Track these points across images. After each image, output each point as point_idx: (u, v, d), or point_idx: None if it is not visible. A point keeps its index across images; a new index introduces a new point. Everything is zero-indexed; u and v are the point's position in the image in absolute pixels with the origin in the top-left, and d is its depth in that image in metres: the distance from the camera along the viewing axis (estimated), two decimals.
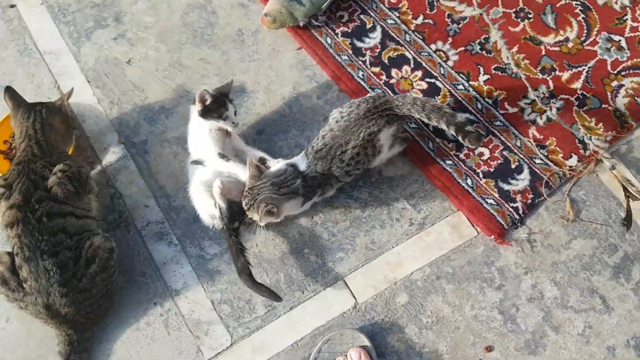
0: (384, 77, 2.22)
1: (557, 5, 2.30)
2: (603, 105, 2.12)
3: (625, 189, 2.02)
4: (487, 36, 2.26)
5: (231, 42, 2.35)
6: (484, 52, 2.24)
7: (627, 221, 1.99)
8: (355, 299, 1.96)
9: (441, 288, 1.96)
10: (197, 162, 2.05)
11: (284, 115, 2.21)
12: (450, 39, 2.27)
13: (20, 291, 1.83)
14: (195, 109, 2.04)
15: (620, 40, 2.23)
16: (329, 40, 2.29)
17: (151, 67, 2.33)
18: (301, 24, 2.27)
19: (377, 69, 2.23)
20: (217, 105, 2.01)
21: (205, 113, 2.01)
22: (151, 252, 2.07)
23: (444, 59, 2.24)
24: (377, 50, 2.26)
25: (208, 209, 2.01)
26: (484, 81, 2.20)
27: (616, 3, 2.29)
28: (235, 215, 1.98)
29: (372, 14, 2.33)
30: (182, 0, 2.43)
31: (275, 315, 1.96)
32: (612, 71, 2.17)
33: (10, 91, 2.08)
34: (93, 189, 2.04)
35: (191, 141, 2.10)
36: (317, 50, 2.27)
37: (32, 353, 1.94)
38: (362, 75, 2.23)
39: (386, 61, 2.24)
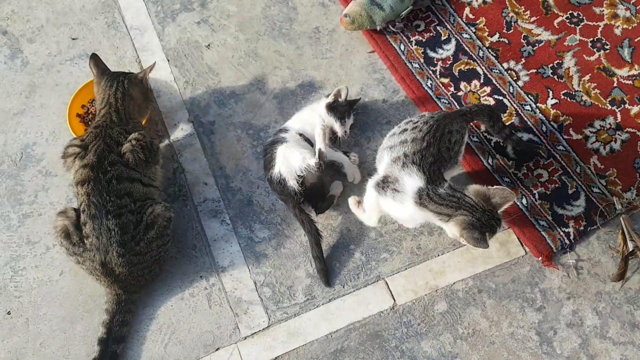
0: (452, 89, 2.25)
1: (636, 40, 2.28)
2: None
3: (626, 242, 1.93)
4: (560, 61, 2.26)
5: (307, 38, 2.43)
6: (555, 77, 2.24)
7: (621, 276, 1.95)
8: (394, 300, 1.99)
9: (481, 301, 1.97)
10: (283, 131, 2.14)
11: None
12: (523, 60, 2.28)
13: (81, 246, 1.94)
14: (324, 100, 2.15)
15: None
16: (402, 47, 2.34)
17: (228, 54, 2.43)
18: (378, 28, 2.33)
19: (446, 80, 2.26)
20: (345, 108, 2.13)
21: (332, 108, 2.12)
22: (204, 227, 2.15)
23: (515, 78, 2.25)
24: (449, 62, 2.29)
25: (301, 159, 2.02)
26: (551, 105, 2.19)
27: None
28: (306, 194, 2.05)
29: (448, 26, 2.37)
30: None
31: (314, 304, 2.01)
32: None
33: (95, 59, 2.20)
34: (159, 160, 2.13)
35: (303, 121, 2.16)
36: (389, 55, 2.32)
37: (80, 307, 2.05)
38: (431, 84, 2.26)
39: (456, 73, 2.27)
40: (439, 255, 2.04)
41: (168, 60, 2.43)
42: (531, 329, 1.92)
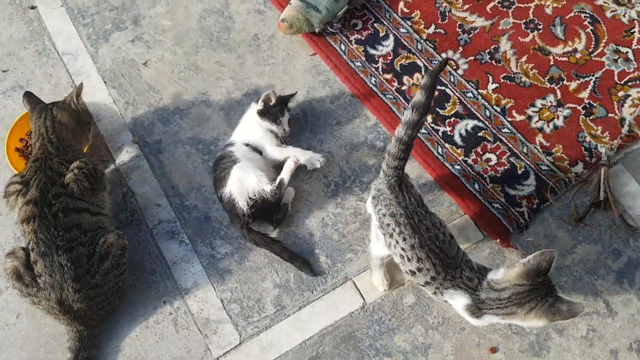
0: (395, 84, 2.26)
1: (566, 17, 2.35)
2: (609, 115, 2.16)
3: (599, 191, 2.03)
4: (496, 46, 2.31)
5: (247, 46, 2.40)
6: (493, 62, 2.29)
7: (580, 218, 2.03)
8: (364, 299, 1.99)
9: None
10: (230, 145, 2.12)
11: (297, 118, 2.25)
12: (460, 48, 2.31)
13: (34, 286, 1.86)
14: (255, 106, 2.15)
15: (627, 52, 2.27)
16: (342, 47, 2.34)
17: (167, 69, 2.38)
18: (317, 30, 2.32)
19: (389, 76, 2.28)
20: (276, 109, 2.12)
21: (263, 114, 2.12)
22: (162, 250, 2.10)
23: (454, 67, 2.29)
24: (390, 58, 2.31)
25: (256, 182, 2.00)
26: (492, 89, 2.24)
27: (624, 16, 2.34)
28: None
29: (385, 22, 2.38)
30: (199, 5, 2.49)
31: (284, 314, 1.99)
32: (619, 82, 2.22)
33: (28, 95, 2.15)
34: (106, 187, 2.07)
35: (244, 132, 2.15)
36: (331, 56, 2.32)
37: (41, 349, 1.97)
38: (375, 81, 2.27)
39: (398, 68, 2.29)
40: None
41: (105, 82, 2.36)
42: None
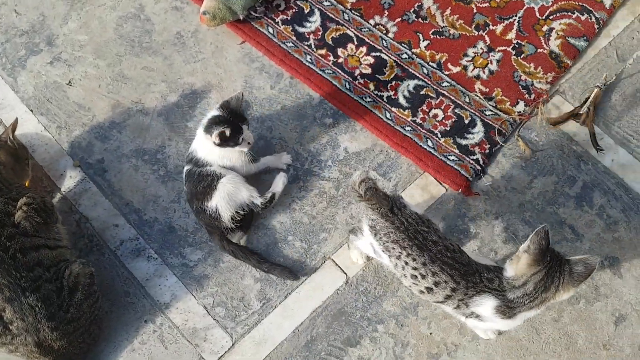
0: (331, 58, 2.26)
1: None
2: (538, 50, 2.26)
3: (584, 106, 2.14)
4: (419, 4, 2.35)
5: (171, 46, 2.32)
6: (420, 20, 2.32)
7: (556, 122, 2.15)
8: (346, 275, 2.01)
9: None
10: (206, 165, 1.99)
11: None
12: (386, 12, 2.33)
13: (8, 334, 1.76)
14: (208, 138, 1.93)
15: None
16: (271, 30, 2.31)
17: (93, 85, 2.27)
18: (241, 17, 2.27)
19: (323, 51, 2.27)
20: (230, 137, 1.92)
21: (221, 144, 1.93)
22: (131, 270, 2.03)
23: (384, 31, 2.31)
24: (320, 33, 2.30)
25: (248, 197, 1.97)
26: (425, 47, 2.28)
27: None
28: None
29: None
30: (112, 13, 2.37)
31: (271, 306, 1.98)
32: (540, 17, 2.31)
33: None
34: (58, 217, 1.98)
35: (215, 159, 2.00)
36: (261, 42, 2.28)
37: None
38: (311, 59, 2.26)
39: (330, 42, 2.29)
40: None
41: (32, 111, 2.22)
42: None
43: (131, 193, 2.12)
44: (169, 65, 2.29)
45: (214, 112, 1.96)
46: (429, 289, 1.68)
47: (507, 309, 1.64)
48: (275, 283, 2.00)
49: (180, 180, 2.12)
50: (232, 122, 1.91)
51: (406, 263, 1.67)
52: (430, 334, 1.93)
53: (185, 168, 2.02)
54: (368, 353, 1.92)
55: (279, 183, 2.03)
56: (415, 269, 1.66)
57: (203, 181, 1.97)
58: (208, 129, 1.92)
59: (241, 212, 1.98)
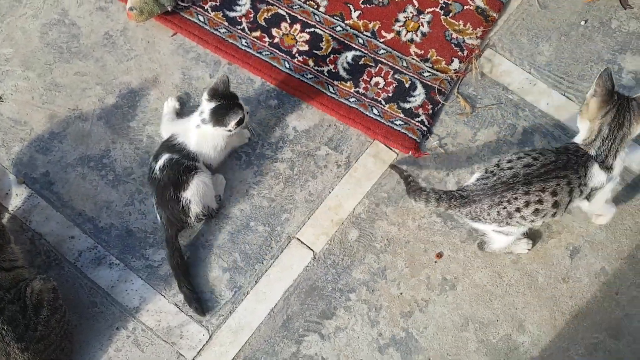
0: (267, 39, 2.25)
1: None
2: (465, 7, 2.31)
3: None
4: None
5: (101, 47, 2.26)
6: None
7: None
8: (313, 251, 2.03)
9: (383, 213, 2.08)
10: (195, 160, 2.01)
11: (183, 102, 2.19)
12: None
13: None
14: (222, 130, 1.98)
15: None
16: (201, 18, 2.27)
17: (26, 98, 2.19)
18: (169, 9, 2.22)
19: (257, 33, 2.26)
20: (233, 116, 1.96)
21: (238, 125, 1.99)
22: (94, 280, 1.99)
23: (315, 6, 2.31)
24: (252, 15, 2.28)
25: (211, 200, 2.02)
26: (357, 17, 2.30)
27: None
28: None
29: None
30: (35, 22, 2.28)
31: (243, 293, 1.99)
32: None
33: None
34: (10, 238, 1.92)
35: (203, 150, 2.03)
36: (192, 31, 2.25)
37: None
38: (246, 42, 2.25)
39: (263, 23, 2.28)
40: (330, 192, 2.10)
41: None
42: (431, 214, 2.08)
43: (82, 202, 2.08)
44: (101, 67, 2.23)
45: (209, 104, 1.97)
46: (555, 204, 1.75)
47: (603, 165, 1.78)
48: (244, 270, 2.01)
49: (131, 182, 2.09)
50: (237, 105, 1.98)
51: (518, 211, 1.74)
52: (401, 294, 1.99)
53: (166, 156, 1.98)
54: (344, 322, 1.96)
55: (220, 186, 2.08)
56: (527, 204, 1.73)
57: (180, 169, 1.96)
58: (219, 123, 1.96)
59: (204, 213, 2.00)
